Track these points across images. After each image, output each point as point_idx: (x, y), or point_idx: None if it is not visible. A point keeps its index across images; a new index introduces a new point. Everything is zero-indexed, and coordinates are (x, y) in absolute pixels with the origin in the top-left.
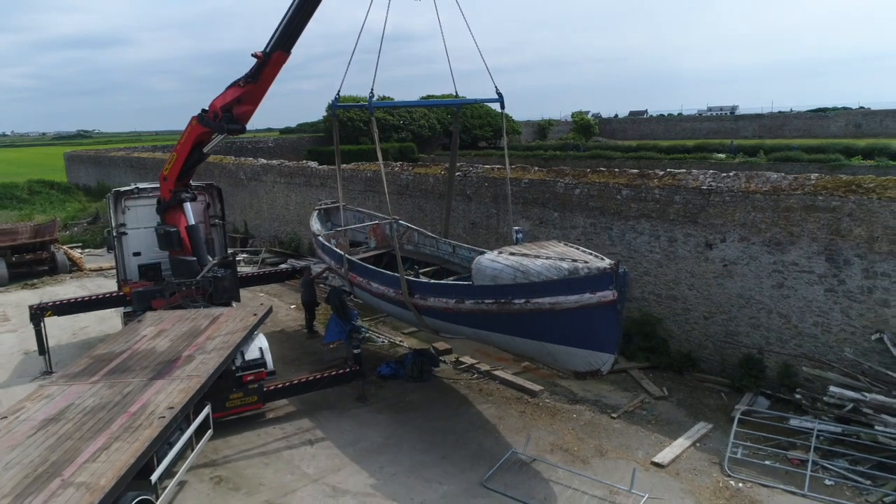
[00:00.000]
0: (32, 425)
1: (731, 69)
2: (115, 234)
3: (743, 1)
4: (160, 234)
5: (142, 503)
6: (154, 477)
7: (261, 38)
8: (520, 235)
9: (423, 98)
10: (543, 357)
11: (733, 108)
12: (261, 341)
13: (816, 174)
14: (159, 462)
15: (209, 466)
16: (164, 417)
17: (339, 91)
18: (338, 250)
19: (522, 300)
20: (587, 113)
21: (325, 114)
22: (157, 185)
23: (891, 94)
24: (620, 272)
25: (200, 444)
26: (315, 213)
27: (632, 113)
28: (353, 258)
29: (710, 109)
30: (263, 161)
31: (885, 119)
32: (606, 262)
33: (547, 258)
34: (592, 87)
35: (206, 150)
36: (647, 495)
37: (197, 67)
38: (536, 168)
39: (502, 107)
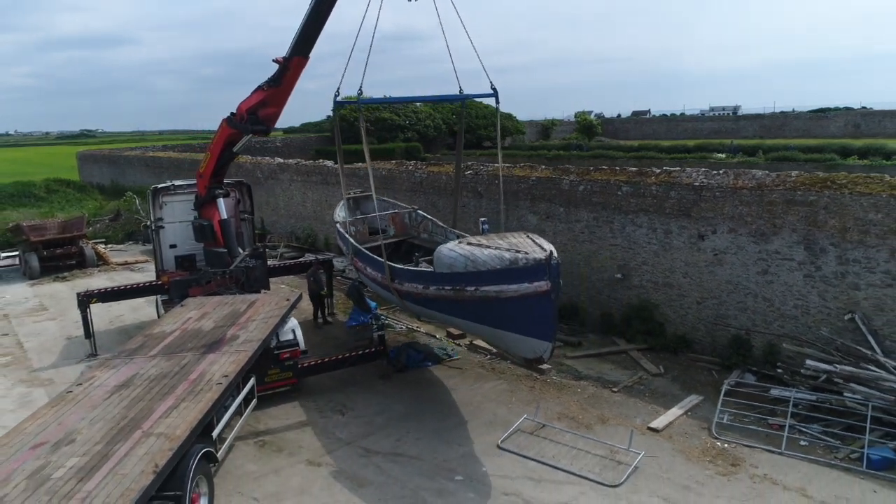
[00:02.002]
0: (106, 390)
1: (733, 69)
2: (153, 227)
3: (745, 1)
4: (196, 227)
5: (207, 454)
6: (215, 433)
7: (264, 39)
8: (486, 227)
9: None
10: (498, 342)
11: (735, 108)
12: (293, 324)
13: (797, 172)
14: (218, 421)
15: (253, 433)
16: (220, 384)
17: (338, 89)
18: (348, 236)
19: (473, 287)
20: (590, 113)
21: (328, 114)
22: (192, 182)
23: (893, 94)
24: (553, 263)
25: (247, 411)
26: (342, 202)
27: (635, 113)
28: (358, 245)
29: (712, 109)
30: (280, 160)
31: (884, 119)
32: (542, 254)
33: (496, 248)
34: (595, 86)
35: (235, 149)
36: (642, 453)
37: (201, 67)
38: (543, 166)
39: (497, 101)
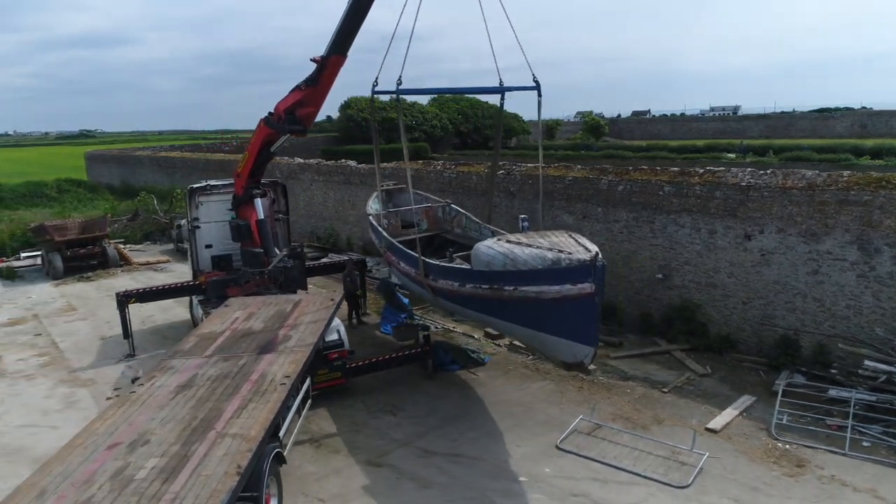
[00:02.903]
0: (170, 390)
1: (732, 69)
2: (190, 227)
3: (744, 1)
4: (233, 227)
5: (277, 455)
6: (281, 433)
7: (264, 39)
8: (525, 224)
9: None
10: (537, 345)
11: (735, 108)
12: (337, 325)
13: (849, 172)
14: (283, 422)
15: (307, 434)
16: (284, 384)
17: (376, 78)
18: (381, 229)
19: (511, 287)
20: (589, 113)
21: (328, 115)
22: (227, 182)
23: (892, 94)
24: (598, 265)
25: (304, 412)
26: (375, 195)
27: (634, 113)
28: (392, 238)
29: (712, 109)
30: (300, 160)
31: (891, 120)
32: (587, 255)
33: (537, 247)
34: (593, 87)
35: (272, 149)
36: (707, 454)
37: (201, 67)
38: (579, 166)
39: (539, 94)
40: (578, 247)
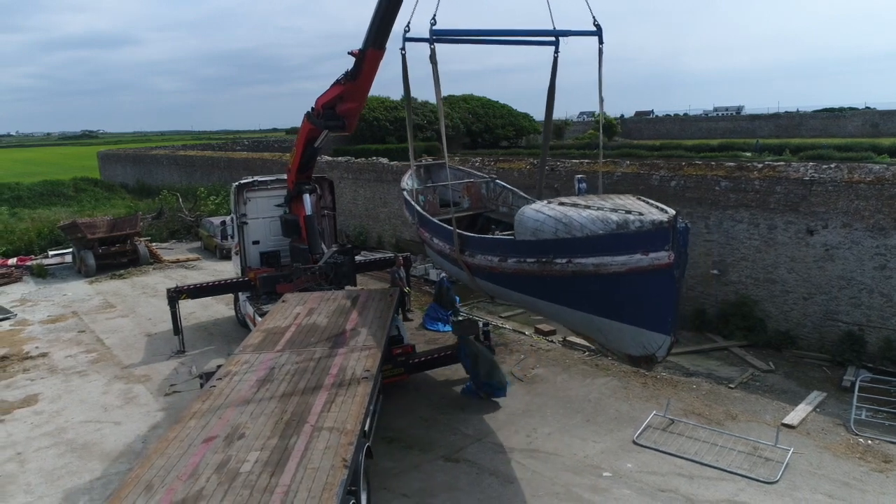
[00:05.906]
0: (251, 385)
1: (734, 70)
2: (238, 223)
3: (744, 2)
4: (283, 222)
5: (367, 450)
6: (366, 427)
7: (266, 39)
8: (582, 185)
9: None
10: (594, 334)
11: (739, 109)
12: (396, 320)
13: None
14: (367, 416)
15: (376, 429)
16: (366, 378)
17: (408, 24)
18: (415, 205)
19: (564, 259)
20: (592, 113)
21: None
22: (274, 178)
23: (894, 94)
24: (679, 227)
25: (378, 406)
26: (411, 171)
27: (637, 113)
28: (426, 213)
29: (715, 110)
30: (328, 158)
31: None
32: (665, 215)
33: (598, 209)
34: (593, 86)
35: (315, 145)
36: (792, 449)
37: (203, 67)
38: (627, 162)
39: (600, 41)
40: (652, 208)
